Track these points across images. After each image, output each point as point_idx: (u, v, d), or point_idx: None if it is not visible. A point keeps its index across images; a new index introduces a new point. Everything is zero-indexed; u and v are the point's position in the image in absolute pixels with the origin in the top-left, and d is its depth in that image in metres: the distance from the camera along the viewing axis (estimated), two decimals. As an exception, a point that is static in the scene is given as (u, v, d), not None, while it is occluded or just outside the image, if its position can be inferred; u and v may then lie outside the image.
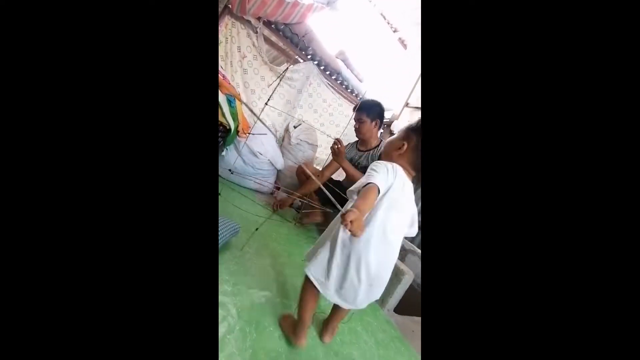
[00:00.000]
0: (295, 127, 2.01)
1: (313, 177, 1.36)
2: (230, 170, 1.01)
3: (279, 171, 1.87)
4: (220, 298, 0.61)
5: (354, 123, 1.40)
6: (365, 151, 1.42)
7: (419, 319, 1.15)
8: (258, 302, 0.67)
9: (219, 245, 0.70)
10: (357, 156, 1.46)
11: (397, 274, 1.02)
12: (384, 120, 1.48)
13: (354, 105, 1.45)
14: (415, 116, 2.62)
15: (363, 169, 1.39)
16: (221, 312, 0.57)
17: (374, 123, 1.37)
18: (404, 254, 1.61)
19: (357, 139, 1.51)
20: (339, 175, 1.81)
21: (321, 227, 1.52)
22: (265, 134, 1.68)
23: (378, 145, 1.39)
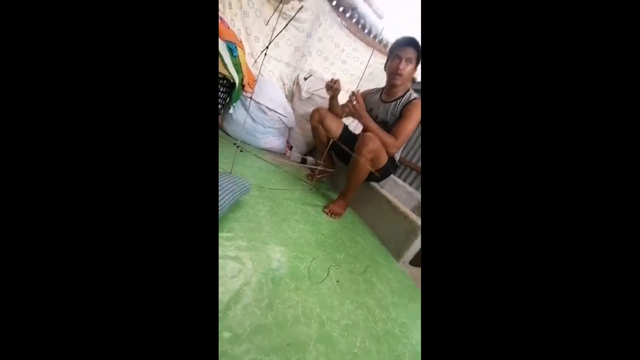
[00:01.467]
0: (305, 79, 1.83)
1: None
2: (236, 145, 0.94)
3: (290, 129, 1.79)
4: (236, 253, 0.62)
5: (398, 63, 1.11)
6: (389, 102, 1.21)
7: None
8: (274, 256, 0.68)
9: (230, 203, 0.69)
10: (377, 108, 1.26)
11: (414, 229, 1.00)
12: None
13: (393, 43, 1.15)
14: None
15: (381, 123, 1.21)
16: (237, 265, 0.58)
17: (414, 67, 1.12)
18: (421, 210, 1.58)
19: (382, 85, 1.29)
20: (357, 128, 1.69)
21: (334, 182, 1.49)
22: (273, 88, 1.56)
23: (404, 95, 1.18)
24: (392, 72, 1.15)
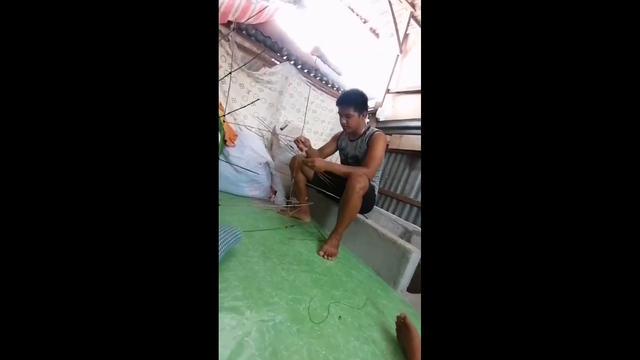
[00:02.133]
0: (281, 129, 2.00)
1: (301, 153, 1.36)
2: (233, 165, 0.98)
3: (273, 175, 1.87)
4: (233, 303, 0.60)
5: (341, 118, 1.35)
6: (355, 140, 1.42)
7: (432, 295, 1.16)
8: (271, 301, 0.66)
9: (223, 253, 0.69)
10: (347, 147, 1.46)
11: (404, 254, 1.03)
12: (369, 108, 1.45)
13: (336, 100, 1.39)
14: (397, 101, 2.65)
15: (353, 158, 1.41)
16: (236, 317, 0.56)
17: (361, 115, 1.35)
18: (408, 235, 1.63)
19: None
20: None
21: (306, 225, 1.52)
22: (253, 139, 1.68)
23: (366, 132, 1.38)
24: (342, 126, 1.38)
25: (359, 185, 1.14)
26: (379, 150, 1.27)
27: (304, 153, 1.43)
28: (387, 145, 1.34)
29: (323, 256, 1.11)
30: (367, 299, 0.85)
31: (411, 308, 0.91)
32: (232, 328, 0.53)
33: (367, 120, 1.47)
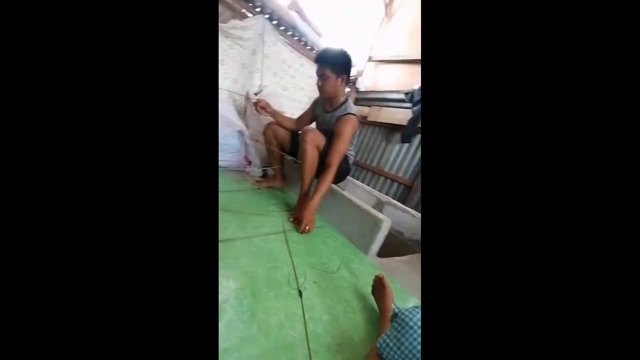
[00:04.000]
0: (256, 94, 1.85)
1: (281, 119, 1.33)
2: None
3: (246, 144, 1.77)
4: (209, 273, 0.61)
5: (317, 80, 1.18)
6: (330, 111, 1.29)
7: (400, 258, 1.29)
8: (247, 270, 0.68)
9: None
10: (322, 117, 1.34)
11: (376, 223, 1.10)
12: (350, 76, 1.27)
13: (315, 57, 1.21)
14: (379, 71, 2.56)
15: (324, 132, 1.25)
16: (212, 286, 0.57)
17: (339, 79, 1.16)
18: (381, 206, 1.73)
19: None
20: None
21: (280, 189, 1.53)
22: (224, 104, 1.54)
23: (344, 103, 1.26)
24: (317, 88, 1.22)
25: (307, 137, 1.13)
26: (344, 141, 1.15)
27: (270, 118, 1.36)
28: (357, 128, 1.23)
29: (293, 222, 1.09)
30: (341, 264, 0.92)
31: (381, 271, 1.00)
32: (209, 297, 0.54)
33: (347, 89, 1.32)
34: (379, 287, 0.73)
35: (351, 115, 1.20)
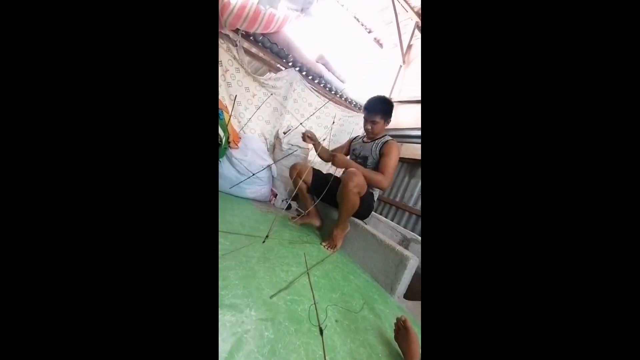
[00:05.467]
0: (284, 133, 2.04)
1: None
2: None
3: (274, 178, 1.89)
4: (233, 301, 0.62)
5: (365, 123, 1.40)
6: (369, 142, 1.44)
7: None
8: (270, 301, 0.67)
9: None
10: (360, 148, 1.49)
11: (402, 260, 1.04)
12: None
13: (363, 105, 1.44)
14: (399, 111, 2.70)
15: (362, 158, 1.44)
16: (236, 314, 0.58)
17: (385, 122, 1.40)
18: (406, 243, 1.64)
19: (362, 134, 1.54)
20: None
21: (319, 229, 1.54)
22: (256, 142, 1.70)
23: (381, 137, 1.41)
24: (365, 130, 1.44)
25: (352, 184, 1.20)
26: (393, 159, 1.31)
27: (308, 155, 1.47)
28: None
29: (325, 247, 1.24)
30: (364, 304, 0.86)
31: (408, 315, 0.92)
32: (232, 324, 0.54)
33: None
34: (402, 331, 0.66)
35: (393, 140, 1.38)
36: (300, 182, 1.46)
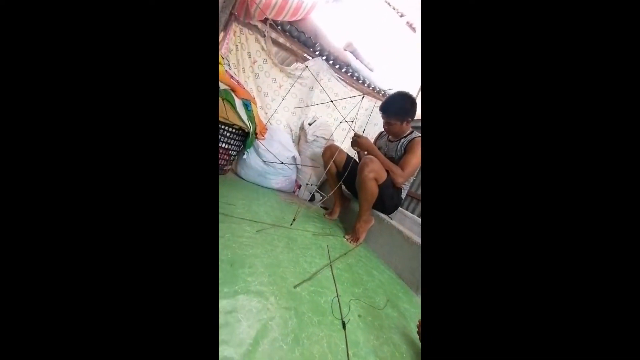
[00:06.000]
0: (310, 124, 2.02)
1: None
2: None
3: (298, 169, 1.90)
4: (259, 288, 0.64)
5: (384, 124, 1.31)
6: (395, 141, 1.36)
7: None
8: (294, 291, 0.68)
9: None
10: (385, 146, 1.41)
11: (429, 260, 0.99)
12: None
13: (379, 105, 1.33)
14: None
15: (388, 159, 1.34)
16: (262, 301, 0.59)
17: (404, 123, 1.28)
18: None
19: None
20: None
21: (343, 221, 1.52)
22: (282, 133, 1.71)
23: (407, 135, 1.32)
24: (385, 130, 1.38)
25: (367, 169, 1.16)
26: (416, 156, 1.23)
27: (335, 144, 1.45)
28: None
29: (348, 240, 1.22)
30: (388, 301, 0.84)
31: (434, 315, 0.88)
32: (258, 311, 0.56)
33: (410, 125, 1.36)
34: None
35: (420, 137, 1.28)
36: (331, 163, 1.42)
